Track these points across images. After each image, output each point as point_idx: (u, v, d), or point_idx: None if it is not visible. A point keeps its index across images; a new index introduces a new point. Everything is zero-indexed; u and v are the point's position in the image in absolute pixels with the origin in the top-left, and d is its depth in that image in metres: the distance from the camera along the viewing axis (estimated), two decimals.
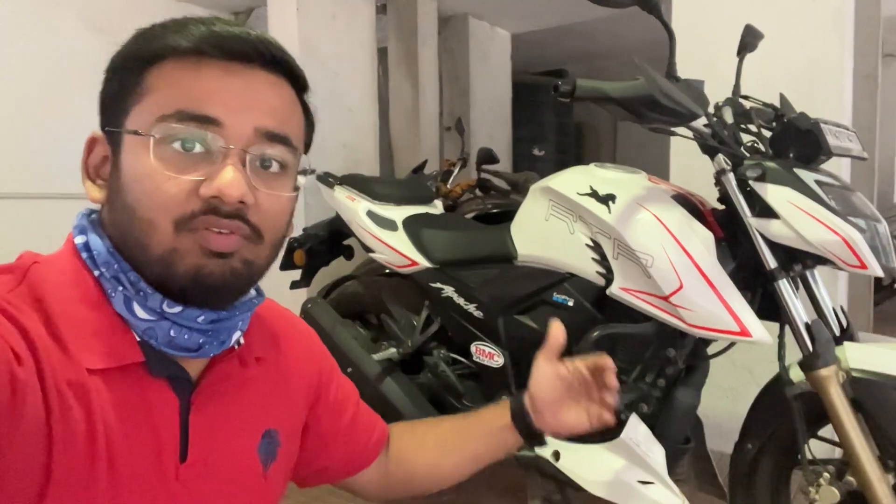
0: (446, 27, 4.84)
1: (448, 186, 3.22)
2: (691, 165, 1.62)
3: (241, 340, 0.66)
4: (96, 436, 0.53)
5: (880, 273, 1.21)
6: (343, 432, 0.81)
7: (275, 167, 0.59)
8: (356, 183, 1.99)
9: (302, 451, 0.76)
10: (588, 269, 1.45)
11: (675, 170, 2.26)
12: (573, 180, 1.49)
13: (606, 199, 1.40)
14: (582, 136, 6.87)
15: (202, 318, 0.58)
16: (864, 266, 1.20)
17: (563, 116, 6.29)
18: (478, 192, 3.17)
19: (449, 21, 4.85)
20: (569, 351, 1.46)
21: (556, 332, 0.84)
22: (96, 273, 0.58)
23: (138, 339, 0.57)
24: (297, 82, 0.63)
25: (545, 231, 1.53)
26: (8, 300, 0.54)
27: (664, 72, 1.31)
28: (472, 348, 1.66)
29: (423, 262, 1.74)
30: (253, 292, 0.65)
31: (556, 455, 1.54)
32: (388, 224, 1.85)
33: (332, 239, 2.13)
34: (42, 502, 0.50)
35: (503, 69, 5.28)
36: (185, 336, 0.58)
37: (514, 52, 5.36)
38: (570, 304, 1.49)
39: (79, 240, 0.60)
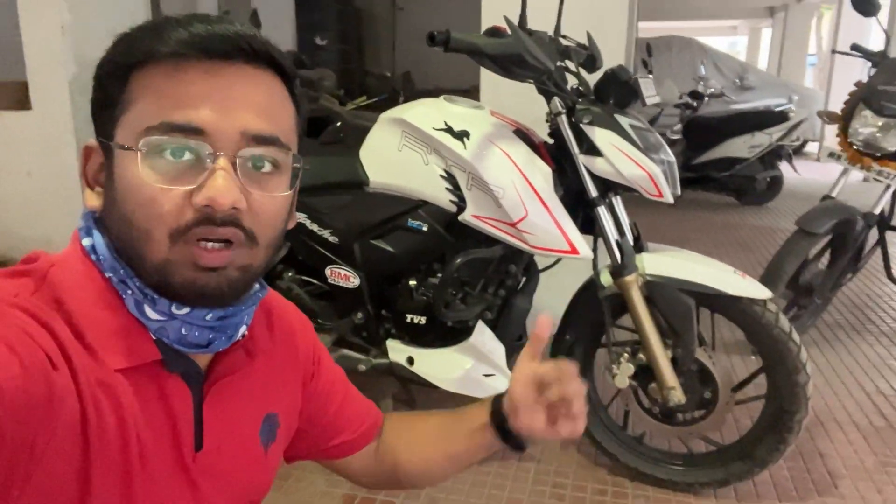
0: None
1: None
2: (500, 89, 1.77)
3: (246, 332, 0.68)
4: (128, 434, 0.56)
5: (671, 200, 1.55)
6: (331, 417, 0.84)
7: (267, 167, 0.61)
8: None
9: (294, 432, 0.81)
10: (442, 197, 1.59)
11: (485, 89, 2.47)
12: (427, 115, 1.59)
13: (461, 136, 1.54)
14: (361, 24, 6.73)
15: (210, 315, 0.61)
16: (661, 195, 1.53)
17: (343, 2, 6.09)
18: None
19: None
20: (431, 270, 1.65)
21: (542, 330, 0.74)
22: (107, 275, 0.58)
23: (153, 337, 0.59)
24: (284, 73, 0.63)
25: (398, 161, 1.62)
26: (34, 303, 0.53)
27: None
28: (327, 271, 1.74)
29: None
30: (257, 286, 0.68)
31: (410, 360, 1.74)
32: None
33: None
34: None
35: None
36: (196, 333, 0.61)
37: None
38: (425, 228, 1.63)
39: (86, 242, 0.59)
